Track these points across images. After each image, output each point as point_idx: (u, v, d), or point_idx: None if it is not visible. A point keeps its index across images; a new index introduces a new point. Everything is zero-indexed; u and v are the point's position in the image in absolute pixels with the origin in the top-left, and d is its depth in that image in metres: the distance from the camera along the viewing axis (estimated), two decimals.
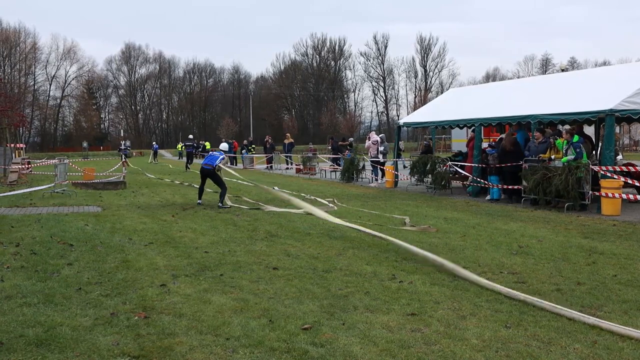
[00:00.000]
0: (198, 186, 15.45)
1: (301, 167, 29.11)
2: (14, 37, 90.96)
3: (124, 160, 29.27)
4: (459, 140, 33.72)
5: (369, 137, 23.90)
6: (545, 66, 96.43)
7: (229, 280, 6.60)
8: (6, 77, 77.36)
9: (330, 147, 33.08)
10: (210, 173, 14.38)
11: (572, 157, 12.91)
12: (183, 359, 4.28)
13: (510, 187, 14.45)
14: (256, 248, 8.58)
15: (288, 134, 37.24)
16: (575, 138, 13.15)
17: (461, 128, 21.37)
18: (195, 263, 7.51)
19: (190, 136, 41.62)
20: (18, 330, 4.83)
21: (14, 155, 30.35)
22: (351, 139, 27.33)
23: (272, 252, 8.24)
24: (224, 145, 16.00)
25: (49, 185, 17.41)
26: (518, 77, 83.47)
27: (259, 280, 6.61)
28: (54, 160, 20.78)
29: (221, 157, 14.75)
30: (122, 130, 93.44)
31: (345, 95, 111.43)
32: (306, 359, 4.29)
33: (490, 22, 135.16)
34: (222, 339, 4.67)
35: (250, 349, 4.46)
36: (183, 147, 58.66)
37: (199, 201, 14.50)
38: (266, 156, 35.46)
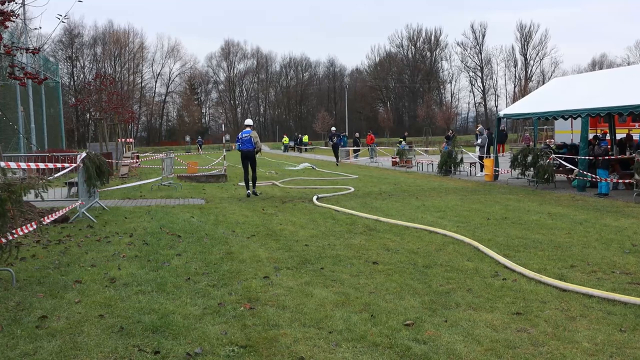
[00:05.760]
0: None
1: (397, 159, 28.89)
2: (123, 38, 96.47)
3: (199, 149, 33.09)
4: (563, 132, 32.14)
5: None
6: None
7: (329, 273, 6.70)
8: (117, 76, 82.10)
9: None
10: (252, 155, 15.02)
11: None
12: (288, 350, 4.39)
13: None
14: (355, 242, 8.63)
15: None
16: None
17: (565, 119, 20.42)
18: (296, 256, 7.67)
19: (333, 128, 40.61)
20: (136, 316, 5.14)
21: (124, 149, 32.20)
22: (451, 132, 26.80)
23: (371, 247, 8.26)
24: (249, 121, 15.84)
25: (157, 179, 18.36)
26: (628, 64, 78.32)
27: (359, 274, 6.65)
28: (161, 155, 21.86)
29: (251, 133, 15.00)
30: (222, 125, 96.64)
31: (442, 86, 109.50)
32: (409, 356, 4.28)
33: (595, 4, 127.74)
34: (325, 332, 4.75)
35: (353, 343, 4.51)
36: (289, 141, 60.76)
37: (248, 192, 14.98)
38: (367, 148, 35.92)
